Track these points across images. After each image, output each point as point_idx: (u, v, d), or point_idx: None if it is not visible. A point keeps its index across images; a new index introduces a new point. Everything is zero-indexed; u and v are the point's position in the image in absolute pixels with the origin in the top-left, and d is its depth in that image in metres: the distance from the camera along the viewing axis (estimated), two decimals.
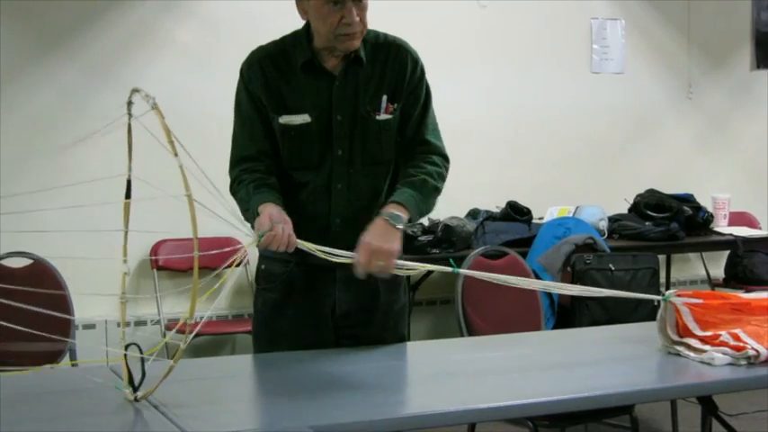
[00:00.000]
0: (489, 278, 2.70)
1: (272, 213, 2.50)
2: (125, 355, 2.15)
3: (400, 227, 2.55)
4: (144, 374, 2.12)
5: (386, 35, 2.75)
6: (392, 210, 2.57)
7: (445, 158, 2.77)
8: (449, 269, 2.64)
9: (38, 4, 4.90)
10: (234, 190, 2.69)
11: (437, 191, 2.72)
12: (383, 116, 2.69)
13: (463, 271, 2.78)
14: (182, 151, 2.05)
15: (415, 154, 2.73)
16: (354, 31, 2.59)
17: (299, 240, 2.47)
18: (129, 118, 2.24)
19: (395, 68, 2.70)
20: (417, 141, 2.74)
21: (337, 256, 2.49)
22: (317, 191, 2.69)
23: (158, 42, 5.16)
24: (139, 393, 2.12)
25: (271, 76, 2.68)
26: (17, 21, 4.89)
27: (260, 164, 2.68)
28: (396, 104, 2.70)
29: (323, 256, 2.47)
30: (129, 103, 2.21)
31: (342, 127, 2.67)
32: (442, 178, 2.74)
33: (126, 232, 2.29)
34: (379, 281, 2.73)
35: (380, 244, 2.50)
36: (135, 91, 2.15)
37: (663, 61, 6.52)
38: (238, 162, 2.71)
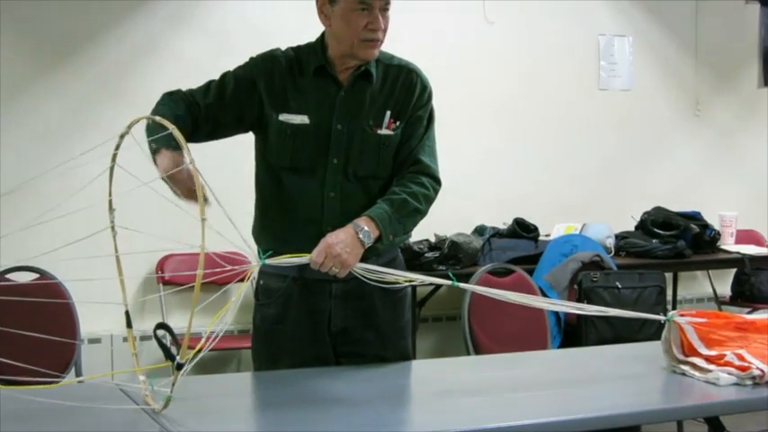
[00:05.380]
0: (491, 294, 2.69)
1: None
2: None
3: (368, 244, 2.54)
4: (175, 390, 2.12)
5: (400, 59, 2.79)
6: (364, 224, 2.55)
7: (436, 180, 2.74)
8: (447, 282, 2.63)
9: (44, 18, 4.91)
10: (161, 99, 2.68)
11: (418, 212, 2.68)
12: (384, 131, 2.70)
13: (463, 285, 2.71)
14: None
15: (405, 172, 2.72)
16: (377, 38, 2.63)
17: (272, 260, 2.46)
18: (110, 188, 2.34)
19: (403, 89, 2.72)
20: (411, 160, 2.73)
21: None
22: (309, 197, 2.69)
23: (166, 57, 5.16)
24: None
25: (279, 74, 2.70)
26: (23, 34, 4.89)
27: (196, 108, 2.68)
28: (399, 122, 2.71)
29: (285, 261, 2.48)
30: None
31: (340, 136, 2.68)
32: (428, 200, 2.71)
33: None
34: (377, 298, 2.73)
35: (341, 252, 2.48)
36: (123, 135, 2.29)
37: (670, 78, 6.51)
38: (186, 91, 2.72)
